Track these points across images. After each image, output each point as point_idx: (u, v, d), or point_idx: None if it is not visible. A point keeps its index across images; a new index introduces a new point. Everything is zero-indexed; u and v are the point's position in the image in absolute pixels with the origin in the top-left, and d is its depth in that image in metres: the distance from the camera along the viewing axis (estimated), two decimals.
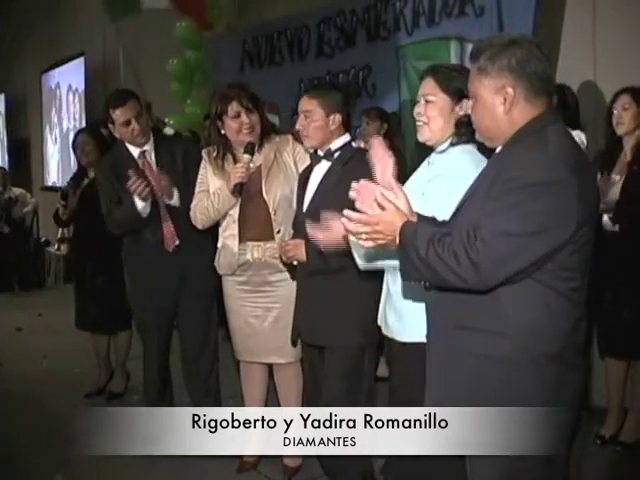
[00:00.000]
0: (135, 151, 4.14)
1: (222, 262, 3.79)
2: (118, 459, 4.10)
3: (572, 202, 1.97)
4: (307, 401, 3.61)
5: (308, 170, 3.51)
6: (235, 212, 3.71)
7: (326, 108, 3.33)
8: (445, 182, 2.59)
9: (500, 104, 2.11)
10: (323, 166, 3.41)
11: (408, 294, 2.71)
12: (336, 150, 3.38)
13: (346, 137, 3.42)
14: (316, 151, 3.43)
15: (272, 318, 3.72)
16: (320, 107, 3.33)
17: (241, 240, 3.71)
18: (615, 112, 3.99)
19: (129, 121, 4.02)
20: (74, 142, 5.17)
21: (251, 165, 3.66)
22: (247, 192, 3.69)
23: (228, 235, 3.75)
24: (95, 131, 5.33)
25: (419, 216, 2.18)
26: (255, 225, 3.69)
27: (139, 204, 3.97)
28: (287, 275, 3.63)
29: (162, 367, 4.36)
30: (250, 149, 3.65)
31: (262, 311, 3.74)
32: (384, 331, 2.96)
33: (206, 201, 3.76)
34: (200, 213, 3.79)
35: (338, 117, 3.35)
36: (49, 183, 12.31)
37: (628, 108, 3.95)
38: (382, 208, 2.08)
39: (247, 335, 3.80)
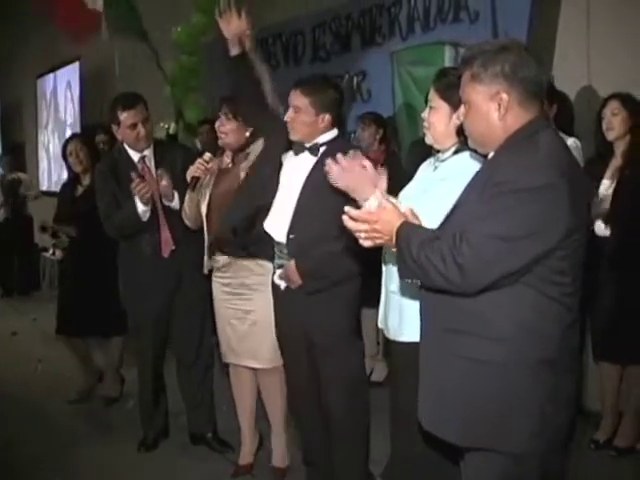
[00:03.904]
0: (135, 155, 4.18)
1: (205, 261, 3.88)
2: (115, 462, 4.17)
3: (562, 207, 1.97)
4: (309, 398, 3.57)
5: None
6: (204, 209, 3.82)
7: (317, 107, 3.31)
8: (451, 185, 2.59)
9: (495, 110, 2.11)
10: (307, 159, 3.38)
11: (407, 293, 2.73)
12: (322, 144, 3.36)
13: (333, 132, 3.39)
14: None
15: (250, 321, 3.75)
16: (311, 106, 3.31)
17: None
18: (605, 118, 4.01)
19: (135, 124, 4.07)
20: (65, 149, 5.11)
21: (211, 164, 3.77)
22: (220, 191, 3.78)
23: (205, 232, 3.85)
24: (87, 138, 5.33)
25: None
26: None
27: (140, 207, 4.00)
28: (265, 279, 3.64)
29: (157, 372, 4.36)
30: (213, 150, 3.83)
31: (242, 313, 3.77)
32: (385, 334, 2.98)
33: None
34: (183, 212, 3.96)
35: (327, 117, 3.34)
36: (44, 188, 12.28)
37: (617, 113, 3.97)
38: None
39: (229, 337, 3.84)
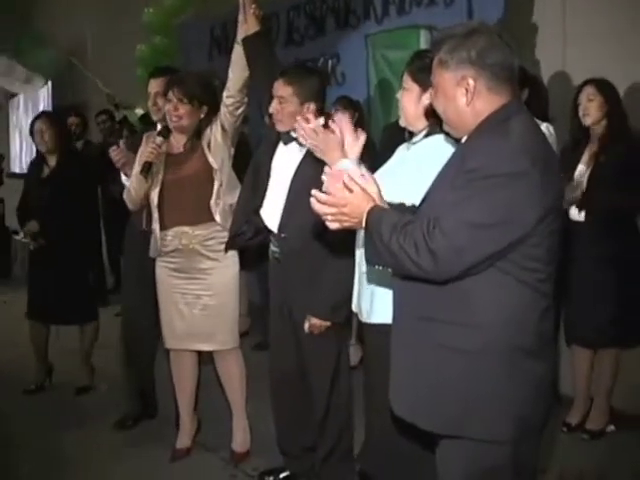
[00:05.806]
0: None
1: (151, 246, 3.85)
2: (86, 448, 4.14)
3: (534, 193, 1.95)
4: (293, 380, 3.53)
5: (272, 145, 3.48)
6: (155, 197, 3.77)
7: (301, 96, 3.29)
8: (421, 168, 2.59)
9: (462, 95, 2.08)
10: (295, 150, 3.35)
11: (379, 276, 2.70)
12: None
13: (319, 122, 3.38)
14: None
15: (201, 306, 3.77)
16: (295, 95, 3.29)
17: (167, 226, 3.76)
18: (581, 104, 4.01)
19: (150, 94, 4.13)
20: (32, 128, 4.93)
21: (163, 148, 3.74)
22: (173, 177, 3.74)
23: (154, 219, 3.80)
24: (54, 117, 5.18)
25: (388, 204, 2.18)
26: (180, 210, 3.72)
27: (122, 176, 4.07)
28: (218, 263, 3.70)
29: (136, 346, 4.37)
30: (165, 132, 3.77)
31: (192, 298, 3.78)
32: (359, 316, 2.97)
33: None
34: (126, 192, 3.91)
35: (312, 106, 3.31)
36: (16, 170, 12.14)
37: (593, 99, 3.97)
38: (350, 191, 2.07)
39: (176, 322, 3.82)
